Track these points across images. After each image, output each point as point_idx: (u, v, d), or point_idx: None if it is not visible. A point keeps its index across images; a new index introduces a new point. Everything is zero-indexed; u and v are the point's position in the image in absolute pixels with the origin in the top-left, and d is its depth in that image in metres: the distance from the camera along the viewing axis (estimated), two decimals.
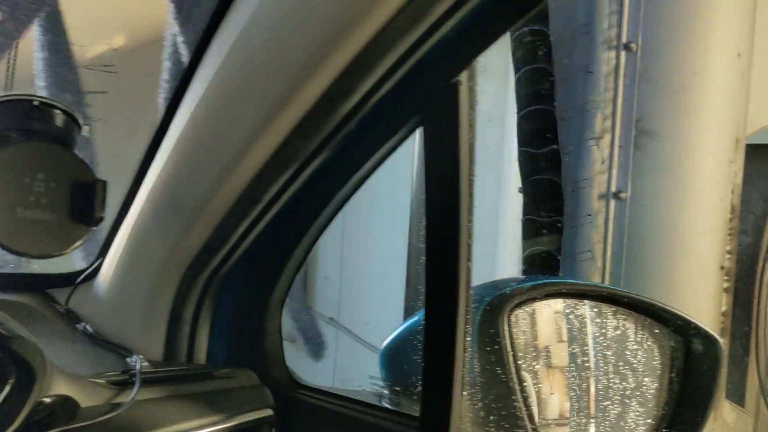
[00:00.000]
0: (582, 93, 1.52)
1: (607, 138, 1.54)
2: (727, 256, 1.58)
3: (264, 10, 0.54)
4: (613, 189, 1.54)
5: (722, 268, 1.58)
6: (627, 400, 0.84)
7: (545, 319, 0.81)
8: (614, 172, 1.55)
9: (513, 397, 0.69)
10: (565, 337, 0.83)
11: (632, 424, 0.84)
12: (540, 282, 0.84)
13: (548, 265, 1.54)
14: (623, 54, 1.53)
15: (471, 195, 0.60)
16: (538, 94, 1.49)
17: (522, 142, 1.53)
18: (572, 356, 0.83)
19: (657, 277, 1.53)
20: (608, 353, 0.85)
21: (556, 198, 1.52)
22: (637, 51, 1.52)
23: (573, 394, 0.82)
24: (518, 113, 1.52)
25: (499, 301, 0.73)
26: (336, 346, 2.55)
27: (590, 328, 0.85)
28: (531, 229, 1.55)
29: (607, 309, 0.85)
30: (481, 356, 0.69)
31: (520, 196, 1.69)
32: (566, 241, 1.52)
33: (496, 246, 1.80)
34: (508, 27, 0.53)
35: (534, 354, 0.80)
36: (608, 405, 0.84)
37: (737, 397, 1.80)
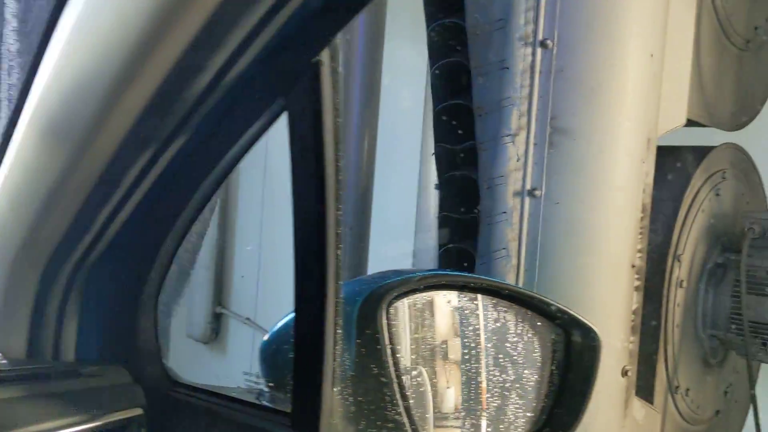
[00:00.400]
0: (498, 89, 1.51)
1: (522, 135, 1.54)
2: (638, 254, 1.60)
3: None
4: (528, 187, 1.54)
5: (633, 266, 1.60)
6: (507, 393, 0.85)
7: (427, 311, 0.81)
8: (529, 169, 1.55)
9: (389, 391, 0.68)
10: (447, 329, 0.83)
11: (512, 416, 0.85)
12: (421, 274, 0.83)
13: (463, 262, 1.53)
14: (539, 51, 1.53)
15: (337, 183, 0.59)
16: (454, 89, 1.47)
17: (439, 137, 1.51)
18: (455, 348, 0.84)
19: (570, 274, 1.54)
20: (489, 345, 0.86)
21: (472, 195, 1.51)
22: (553, 48, 1.52)
23: (457, 386, 0.82)
24: (434, 108, 1.50)
25: (378, 293, 0.72)
26: (252, 346, 2.49)
27: (472, 320, 0.85)
28: (446, 225, 1.54)
29: (489, 301, 0.86)
30: (359, 350, 0.69)
31: (438, 193, 1.68)
32: (482, 239, 1.51)
33: (415, 243, 1.78)
34: (367, 2, 0.50)
35: (414, 347, 0.79)
36: (489, 397, 0.85)
37: (646, 394, 1.83)
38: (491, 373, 0.87)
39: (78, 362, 0.75)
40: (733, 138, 1.99)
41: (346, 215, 2.27)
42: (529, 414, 0.85)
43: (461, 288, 0.85)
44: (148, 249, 0.70)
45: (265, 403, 0.70)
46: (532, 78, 1.53)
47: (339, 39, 0.56)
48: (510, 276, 1.55)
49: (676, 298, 1.86)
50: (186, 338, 2.60)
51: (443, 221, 1.55)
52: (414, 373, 0.78)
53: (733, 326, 1.88)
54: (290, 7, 0.52)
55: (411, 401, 0.73)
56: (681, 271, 1.85)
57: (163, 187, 0.64)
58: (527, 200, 1.54)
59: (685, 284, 1.86)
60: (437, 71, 1.47)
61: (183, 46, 0.53)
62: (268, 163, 2.91)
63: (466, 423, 0.84)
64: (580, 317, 0.86)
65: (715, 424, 2.04)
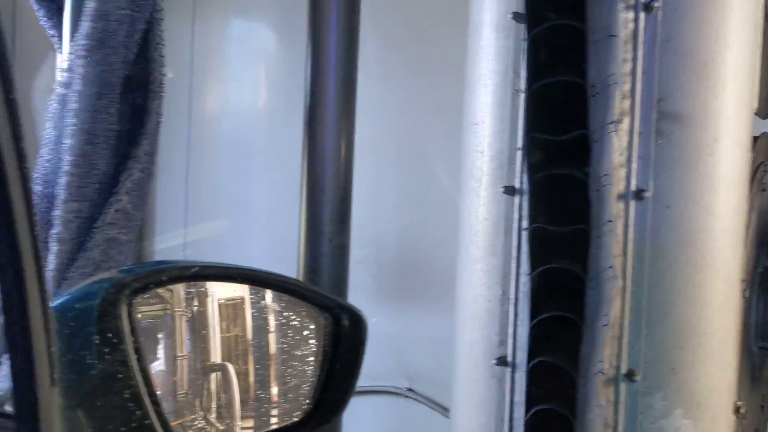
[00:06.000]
0: (605, 63, 1.18)
1: (626, 122, 1.21)
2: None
3: None
4: (633, 187, 1.22)
5: (743, 280, 1.34)
6: (279, 382, 0.88)
7: (214, 303, 0.82)
8: (634, 165, 1.22)
9: (135, 391, 0.66)
10: (236, 322, 0.84)
11: (284, 405, 0.87)
12: (168, 265, 0.81)
13: (567, 287, 1.17)
14: (642, 15, 1.21)
15: (25, 180, 0.54)
16: (560, 61, 1.12)
17: (532, 125, 1.14)
18: (245, 342, 0.85)
19: (685, 295, 1.23)
20: (261, 336, 0.87)
21: (577, 200, 1.16)
22: (659, 12, 1.21)
23: (216, 384, 0.84)
24: (529, 87, 1.13)
25: (117, 289, 0.69)
26: None
27: (259, 312, 0.86)
28: (542, 241, 1.18)
29: (252, 291, 0.87)
30: (101, 349, 0.66)
31: (502, 198, 1.30)
32: (592, 256, 1.17)
33: (460, 259, 1.40)
34: None
35: (167, 345, 0.80)
36: (273, 390, 0.88)
37: None
38: (272, 363, 0.90)
39: None
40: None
41: (324, 224, 1.85)
42: (302, 401, 0.87)
43: (219, 278, 0.85)
44: None
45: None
46: (635, 50, 1.21)
47: None
48: (616, 301, 1.22)
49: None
50: None
51: (537, 235, 1.18)
52: (168, 373, 0.78)
53: None
54: None
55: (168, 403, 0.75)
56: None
57: None
58: (633, 204, 1.22)
59: (746, 293, 1.65)
60: (536, 37, 1.11)
61: None
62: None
63: (259, 415, 0.88)
64: (345, 302, 0.91)
65: None
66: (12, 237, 0.56)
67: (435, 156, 2.13)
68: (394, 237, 2.30)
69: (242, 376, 0.89)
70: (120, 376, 0.68)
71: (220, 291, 0.87)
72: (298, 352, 0.94)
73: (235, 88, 2.58)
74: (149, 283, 0.77)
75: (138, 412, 0.68)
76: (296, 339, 0.94)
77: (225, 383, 0.87)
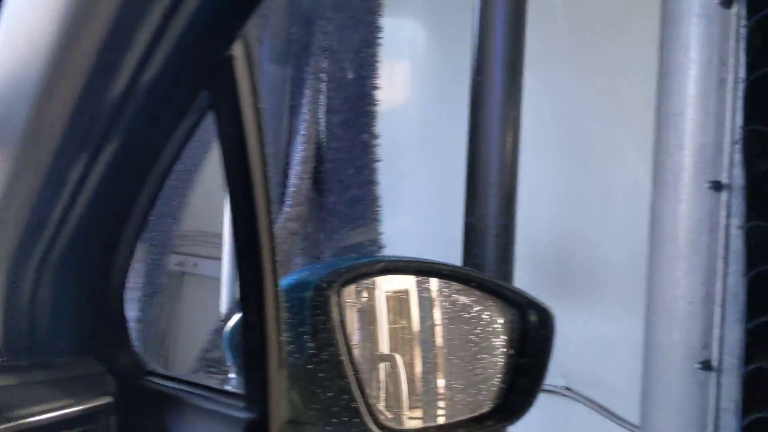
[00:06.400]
0: None
1: None
2: None
3: None
4: None
5: None
6: (464, 375, 0.89)
7: (382, 295, 0.85)
8: None
9: (345, 377, 0.69)
10: (402, 314, 0.88)
11: (469, 398, 0.88)
12: (374, 258, 0.88)
13: None
14: None
15: (266, 181, 0.60)
16: None
17: (751, 116, 1.08)
18: (412, 333, 0.89)
19: None
20: (447, 329, 0.90)
21: None
22: None
23: (413, 373, 0.87)
24: (748, 77, 1.07)
25: (330, 278, 0.73)
26: None
27: (430, 304, 0.90)
28: (759, 240, 1.11)
29: (445, 285, 0.90)
30: (315, 335, 0.70)
31: (706, 194, 1.24)
32: None
33: (655, 258, 1.34)
34: None
35: (372, 333, 0.85)
36: (447, 381, 0.90)
37: None
38: (449, 355, 0.91)
39: (51, 356, 0.78)
40: None
41: (489, 220, 1.83)
42: (484, 395, 0.88)
43: (417, 272, 0.88)
44: (107, 244, 0.73)
45: (228, 387, 0.73)
46: None
47: (251, 32, 0.56)
48: None
49: None
50: None
51: (754, 234, 1.11)
52: (370, 359, 0.83)
53: None
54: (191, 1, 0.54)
55: (373, 389, 0.79)
56: None
57: (110, 185, 0.68)
58: None
59: None
60: (757, 23, 1.04)
61: (94, 46, 0.57)
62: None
63: (429, 406, 0.90)
64: (534, 298, 0.90)
65: None
66: (253, 233, 0.60)
67: (599, 149, 2.06)
68: (552, 233, 2.24)
69: (411, 367, 0.89)
70: (331, 364, 0.69)
71: (386, 283, 0.88)
72: (482, 346, 0.92)
73: (384, 84, 2.60)
74: (357, 275, 0.79)
75: (353, 404, 0.69)
76: (481, 333, 0.92)
77: (393, 373, 0.87)
